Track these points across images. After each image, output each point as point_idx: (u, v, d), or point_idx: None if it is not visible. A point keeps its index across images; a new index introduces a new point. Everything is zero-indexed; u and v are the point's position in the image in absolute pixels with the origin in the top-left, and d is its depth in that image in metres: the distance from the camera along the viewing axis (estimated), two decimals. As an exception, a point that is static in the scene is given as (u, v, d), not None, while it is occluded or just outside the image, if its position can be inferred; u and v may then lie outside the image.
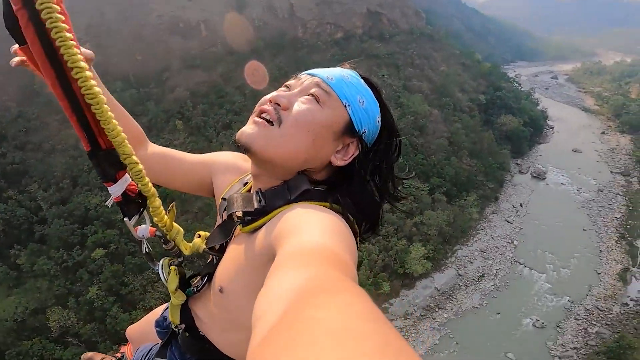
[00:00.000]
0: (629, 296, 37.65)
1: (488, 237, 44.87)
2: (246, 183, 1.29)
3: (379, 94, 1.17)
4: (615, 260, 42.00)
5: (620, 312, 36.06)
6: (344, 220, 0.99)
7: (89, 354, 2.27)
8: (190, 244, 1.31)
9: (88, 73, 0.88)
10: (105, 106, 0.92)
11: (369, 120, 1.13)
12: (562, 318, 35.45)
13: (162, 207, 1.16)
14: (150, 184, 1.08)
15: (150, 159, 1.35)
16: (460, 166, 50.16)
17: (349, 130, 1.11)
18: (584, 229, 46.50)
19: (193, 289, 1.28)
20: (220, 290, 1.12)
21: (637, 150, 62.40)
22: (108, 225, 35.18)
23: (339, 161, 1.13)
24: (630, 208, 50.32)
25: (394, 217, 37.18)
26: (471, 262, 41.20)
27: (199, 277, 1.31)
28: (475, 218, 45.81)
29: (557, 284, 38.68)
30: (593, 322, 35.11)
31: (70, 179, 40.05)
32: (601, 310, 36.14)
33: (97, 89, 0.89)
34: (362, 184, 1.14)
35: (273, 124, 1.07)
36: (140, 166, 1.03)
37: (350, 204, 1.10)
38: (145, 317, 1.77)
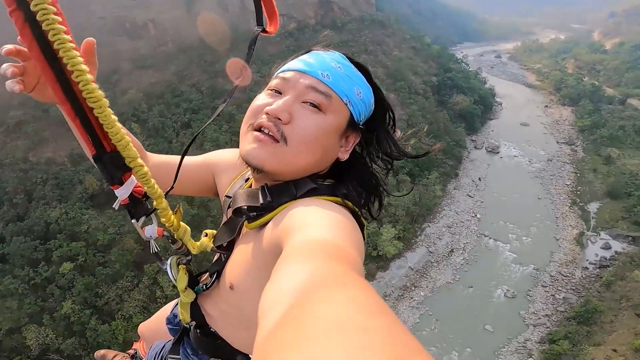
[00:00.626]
0: (587, 260, 39.54)
1: (453, 213, 45.70)
2: (248, 179, 1.24)
3: (368, 75, 1.14)
4: (570, 225, 43.96)
5: (582, 276, 37.80)
6: (350, 214, 0.99)
7: (102, 351, 2.29)
8: (198, 243, 1.26)
9: (89, 76, 0.85)
10: (108, 109, 0.90)
11: (366, 108, 1.12)
12: (530, 286, 36.77)
13: (169, 208, 1.13)
14: (156, 186, 1.05)
15: (153, 169, 1.18)
16: (420, 146, 49.89)
17: (351, 124, 1.10)
18: (538, 198, 48.43)
19: (202, 287, 1.25)
20: (231, 287, 1.10)
21: (578, 121, 65.30)
22: (72, 238, 33.20)
23: (344, 155, 1.12)
24: (578, 175, 52.84)
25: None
26: (440, 239, 41.93)
27: (207, 275, 1.28)
28: (439, 195, 46.48)
29: (521, 253, 40.04)
30: (559, 288, 36.62)
31: (24, 194, 37.10)
32: (564, 276, 37.72)
33: (99, 92, 0.87)
34: (365, 166, 1.15)
35: (278, 142, 1.03)
36: (146, 168, 1.01)
37: (357, 196, 1.09)
38: (156, 313, 1.72)
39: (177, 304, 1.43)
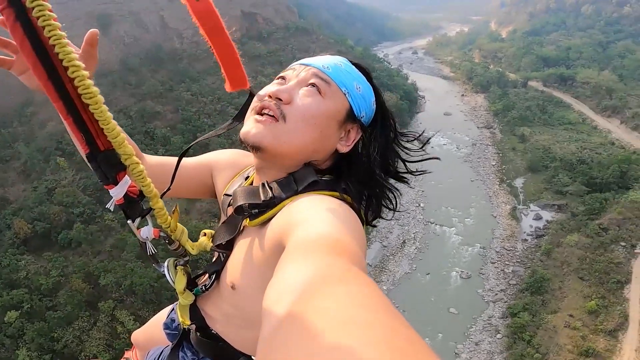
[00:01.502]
0: (524, 232, 42.16)
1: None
2: (247, 177, 1.22)
3: (370, 78, 1.16)
4: (503, 202, 46.79)
5: (523, 248, 40.27)
6: (351, 209, 0.98)
7: None
8: (197, 243, 1.22)
9: (85, 72, 0.83)
10: (104, 106, 0.87)
11: (366, 105, 1.12)
12: (481, 265, 38.53)
13: (165, 208, 1.09)
14: (152, 185, 1.02)
15: (148, 170, 1.14)
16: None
17: (350, 116, 1.10)
18: (471, 180, 51.18)
19: (201, 288, 1.20)
20: (232, 287, 1.07)
21: (491, 106, 70.00)
22: (12, 286, 29.82)
23: (344, 147, 1.11)
24: (501, 155, 56.59)
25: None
26: (390, 232, 42.54)
27: (206, 276, 1.24)
28: None
29: (466, 235, 41.91)
30: (506, 263, 38.71)
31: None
32: (508, 250, 39.96)
33: (94, 88, 0.84)
34: (367, 165, 1.12)
35: (278, 120, 1.03)
36: (142, 166, 0.98)
37: (358, 192, 1.08)
38: (151, 320, 1.60)
39: (173, 309, 1.37)
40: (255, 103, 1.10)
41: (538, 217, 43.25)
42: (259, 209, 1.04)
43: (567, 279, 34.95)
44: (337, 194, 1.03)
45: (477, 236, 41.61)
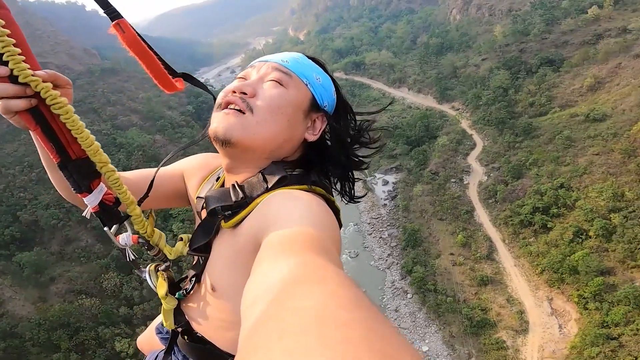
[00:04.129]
0: (381, 198, 43.66)
1: None
2: (218, 178, 1.15)
3: (327, 71, 1.12)
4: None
5: (386, 212, 41.46)
6: (324, 202, 0.93)
7: None
8: (174, 248, 1.15)
9: (48, 84, 0.79)
10: (75, 115, 0.83)
11: (327, 94, 1.08)
12: (362, 240, 38.21)
13: (142, 215, 1.05)
14: (128, 192, 0.98)
15: (125, 183, 1.07)
16: None
17: (314, 106, 1.05)
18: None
19: (182, 292, 1.12)
20: (213, 289, 1.01)
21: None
22: None
23: (311, 136, 1.06)
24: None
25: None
26: None
27: (187, 280, 1.16)
28: None
29: (337, 217, 41.39)
30: (380, 230, 39.17)
31: None
32: (376, 219, 40.62)
33: (62, 98, 0.81)
34: (334, 151, 1.09)
35: (244, 113, 0.97)
36: (117, 174, 0.94)
37: (328, 183, 1.05)
38: (151, 324, 1.47)
39: None
40: (219, 100, 1.02)
41: (385, 182, 45.42)
42: (232, 210, 0.97)
43: (431, 224, 36.97)
44: (306, 187, 0.96)
45: (347, 216, 41.22)
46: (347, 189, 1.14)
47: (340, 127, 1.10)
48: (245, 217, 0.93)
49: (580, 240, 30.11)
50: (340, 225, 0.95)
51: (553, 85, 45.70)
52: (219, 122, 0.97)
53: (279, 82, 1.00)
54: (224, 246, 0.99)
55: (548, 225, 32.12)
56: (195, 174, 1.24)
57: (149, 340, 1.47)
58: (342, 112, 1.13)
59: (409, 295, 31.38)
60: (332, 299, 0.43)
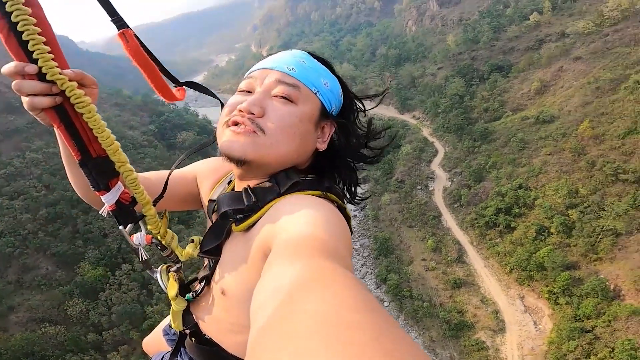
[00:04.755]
0: (351, 209, 40.94)
1: None
2: (230, 181, 1.12)
3: (332, 68, 1.07)
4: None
5: (357, 222, 40.65)
6: (336, 208, 0.90)
7: None
8: (185, 250, 1.13)
9: (74, 82, 0.80)
10: (97, 115, 0.84)
11: (335, 97, 1.04)
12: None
13: (157, 215, 1.04)
14: (145, 192, 0.97)
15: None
16: None
17: (323, 113, 1.01)
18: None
19: (192, 294, 1.11)
20: (222, 293, 0.98)
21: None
22: None
23: (322, 145, 1.03)
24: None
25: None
26: None
27: (197, 282, 1.15)
28: None
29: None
30: (353, 240, 37.39)
31: None
32: None
33: (86, 97, 0.82)
34: (343, 153, 1.07)
35: (256, 133, 0.93)
36: (135, 174, 0.93)
37: (339, 190, 1.03)
38: (158, 325, 1.47)
39: None
40: (224, 117, 0.97)
41: None
42: (244, 214, 0.94)
43: (401, 231, 36.99)
44: (319, 193, 0.93)
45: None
46: (354, 191, 1.12)
47: (348, 128, 1.07)
48: (257, 221, 0.91)
49: (543, 237, 30.81)
50: (351, 232, 0.91)
51: (504, 91, 47.53)
52: (230, 141, 0.93)
53: (287, 98, 0.95)
54: (234, 250, 0.97)
55: (512, 225, 32.77)
56: (208, 177, 1.22)
57: (155, 341, 1.45)
58: (348, 112, 1.09)
59: (385, 304, 30.96)
60: (341, 301, 0.42)
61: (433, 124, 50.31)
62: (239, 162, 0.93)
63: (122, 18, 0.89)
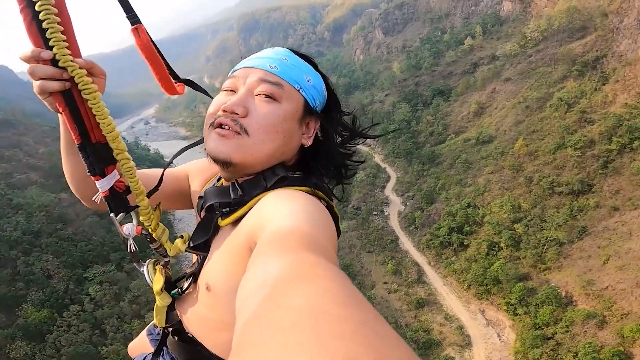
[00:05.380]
0: None
1: None
2: (220, 179, 1.11)
3: (315, 65, 1.06)
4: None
5: None
6: (322, 204, 0.89)
7: None
8: (173, 245, 1.10)
9: (83, 70, 0.85)
10: (102, 102, 0.88)
11: (319, 94, 1.03)
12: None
13: (150, 207, 1.03)
14: (140, 182, 0.98)
15: None
16: None
17: (307, 110, 1.00)
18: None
19: (178, 291, 1.09)
20: (207, 289, 0.96)
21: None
22: None
23: (307, 141, 1.02)
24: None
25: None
26: None
27: (184, 280, 1.12)
28: (173, 262, 40.75)
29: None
30: None
31: None
32: None
33: (93, 85, 0.86)
34: (328, 149, 1.05)
35: (240, 134, 0.92)
36: (132, 163, 0.95)
37: (327, 187, 1.01)
38: (144, 329, 1.42)
39: None
40: (209, 119, 0.96)
41: None
42: (230, 208, 0.95)
43: (361, 257, 36.84)
44: (307, 189, 0.91)
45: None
46: (342, 188, 1.12)
47: (333, 123, 1.07)
48: (243, 215, 0.91)
49: (495, 252, 31.84)
50: (339, 233, 0.90)
51: (446, 114, 49.97)
52: (215, 143, 0.94)
53: (270, 97, 0.95)
54: (220, 245, 0.96)
55: (465, 243, 33.64)
56: (199, 175, 1.22)
57: (140, 344, 1.43)
58: (332, 107, 1.09)
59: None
60: (326, 295, 0.42)
61: (384, 150, 51.65)
62: (225, 164, 0.93)
63: (136, 15, 0.93)
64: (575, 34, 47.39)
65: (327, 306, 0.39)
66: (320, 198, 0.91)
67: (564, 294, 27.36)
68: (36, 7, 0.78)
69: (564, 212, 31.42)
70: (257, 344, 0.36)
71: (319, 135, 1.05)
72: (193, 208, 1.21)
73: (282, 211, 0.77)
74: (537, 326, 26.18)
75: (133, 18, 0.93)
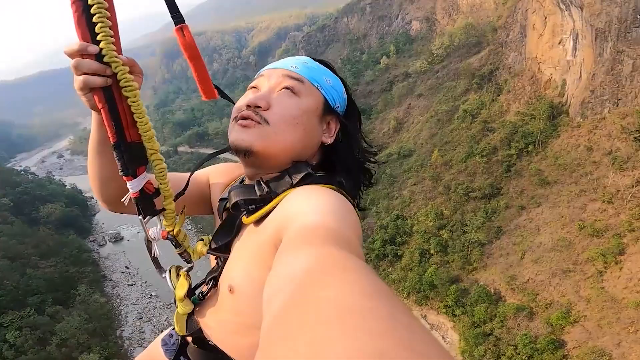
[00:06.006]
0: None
1: (132, 306, 40.01)
2: (242, 181, 1.11)
3: (333, 69, 1.09)
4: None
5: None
6: (347, 199, 0.89)
7: None
8: (195, 248, 1.08)
9: (126, 67, 0.84)
10: (141, 101, 0.87)
11: (339, 95, 1.05)
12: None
13: (175, 211, 1.02)
14: (169, 185, 0.97)
15: None
16: (45, 273, 38.50)
17: (327, 109, 1.03)
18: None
19: (199, 295, 1.06)
20: (230, 291, 0.93)
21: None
22: None
23: (328, 139, 1.03)
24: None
25: None
26: (142, 333, 36.11)
27: (204, 284, 1.09)
28: (102, 301, 38.66)
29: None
30: None
31: None
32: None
33: (135, 83, 0.85)
34: (350, 151, 1.06)
35: (261, 124, 0.95)
36: (165, 164, 0.94)
37: (351, 186, 1.01)
38: (152, 342, 1.37)
39: (173, 328, 1.19)
40: (234, 114, 0.99)
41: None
42: (256, 205, 0.93)
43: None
44: (332, 187, 0.91)
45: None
46: (362, 192, 1.12)
47: (353, 126, 1.08)
48: (268, 213, 0.90)
49: (426, 259, 33.29)
50: None
51: (369, 132, 50.91)
52: (237, 134, 0.96)
53: (291, 90, 0.99)
54: (244, 244, 0.95)
55: (398, 253, 34.72)
56: (220, 179, 1.22)
57: (148, 358, 1.37)
58: (352, 112, 1.11)
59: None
60: (354, 288, 0.41)
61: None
62: (246, 152, 0.93)
63: (181, 14, 0.91)
64: (472, 49, 52.48)
65: (355, 300, 0.38)
66: (344, 196, 0.91)
67: (492, 291, 29.24)
68: (89, 1, 0.77)
69: (480, 215, 33.95)
70: (287, 338, 0.35)
71: (339, 138, 1.04)
72: (212, 214, 1.18)
73: (309, 207, 0.76)
74: (475, 324, 27.53)
75: (178, 18, 0.91)
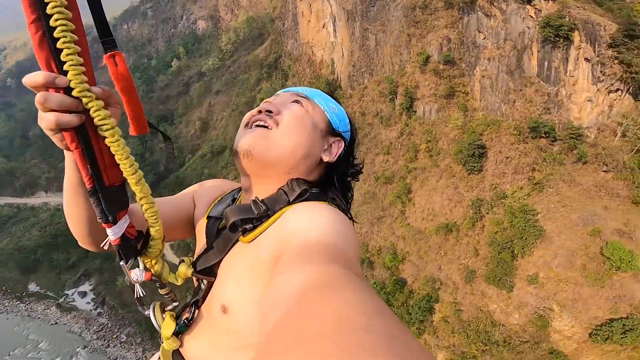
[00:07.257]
0: (91, 310, 35.04)
1: None
2: (235, 199, 1.09)
3: (339, 103, 1.16)
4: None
5: (107, 318, 34.06)
6: (344, 215, 0.89)
7: None
8: (178, 272, 1.00)
9: (100, 102, 0.71)
10: (122, 139, 0.73)
11: (343, 123, 1.10)
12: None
13: (160, 252, 0.95)
14: (162, 227, 0.89)
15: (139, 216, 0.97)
16: None
17: (330, 130, 1.06)
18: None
19: (184, 322, 0.99)
20: (224, 311, 0.88)
21: None
22: None
23: (328, 157, 1.05)
24: None
25: None
26: None
27: (186, 310, 1.03)
28: None
29: None
30: (115, 336, 33.65)
31: None
32: (101, 330, 34.07)
33: (112, 119, 0.72)
34: (345, 174, 1.11)
35: (269, 128, 0.97)
36: (157, 207, 0.85)
37: (344, 203, 1.04)
38: None
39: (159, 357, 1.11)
40: (245, 121, 1.02)
41: (83, 294, 37.88)
42: (253, 224, 0.91)
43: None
44: (326, 202, 0.93)
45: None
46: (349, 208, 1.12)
47: (352, 154, 1.13)
48: (266, 229, 0.89)
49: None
50: None
51: (177, 137, 48.76)
52: (243, 139, 0.97)
53: (300, 104, 1.04)
54: (238, 263, 0.91)
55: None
56: (206, 194, 1.18)
57: None
58: (351, 145, 1.15)
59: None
60: (352, 305, 0.40)
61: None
62: (245, 154, 0.93)
63: (114, 39, 0.76)
64: (256, 40, 54.73)
65: (353, 317, 0.37)
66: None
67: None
68: (51, 22, 0.61)
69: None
70: (282, 353, 0.35)
71: (339, 160, 1.06)
72: (193, 235, 1.12)
73: (308, 224, 0.75)
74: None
75: (109, 43, 0.75)
